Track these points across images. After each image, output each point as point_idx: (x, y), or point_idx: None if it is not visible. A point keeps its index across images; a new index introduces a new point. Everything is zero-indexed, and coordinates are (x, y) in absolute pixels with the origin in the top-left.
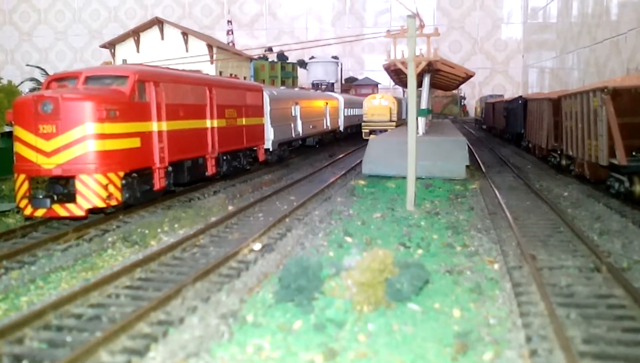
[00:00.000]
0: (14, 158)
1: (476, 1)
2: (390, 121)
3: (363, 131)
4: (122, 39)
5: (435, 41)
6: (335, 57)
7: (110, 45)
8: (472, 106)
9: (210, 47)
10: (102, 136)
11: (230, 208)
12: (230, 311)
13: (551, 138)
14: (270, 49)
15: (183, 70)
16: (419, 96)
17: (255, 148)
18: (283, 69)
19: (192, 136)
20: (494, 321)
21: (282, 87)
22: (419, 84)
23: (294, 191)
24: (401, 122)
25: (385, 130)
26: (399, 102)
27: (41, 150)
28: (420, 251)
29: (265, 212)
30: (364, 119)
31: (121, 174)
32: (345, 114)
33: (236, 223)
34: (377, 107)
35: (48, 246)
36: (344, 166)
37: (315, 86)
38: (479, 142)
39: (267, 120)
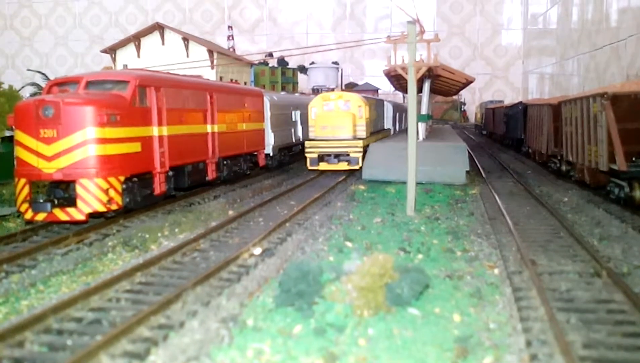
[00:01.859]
0: (15, 162)
1: (476, 7)
2: (356, 137)
3: (307, 156)
4: (122, 44)
5: (435, 47)
6: (336, 63)
7: (111, 50)
8: (472, 111)
9: (210, 52)
10: (103, 141)
11: (231, 212)
12: (231, 316)
13: (551, 144)
14: (270, 55)
15: (184, 75)
16: (419, 102)
17: (255, 153)
18: (283, 75)
19: (192, 141)
20: (494, 325)
21: (282, 93)
22: (419, 90)
23: (294, 196)
24: (380, 135)
25: (346, 154)
26: (375, 105)
27: (42, 154)
28: (420, 256)
29: (266, 217)
30: (310, 134)
31: (122, 178)
32: None
33: (236, 228)
34: (331, 114)
35: (48, 250)
36: (344, 171)
37: (316, 91)
38: (479, 147)
39: (267, 125)
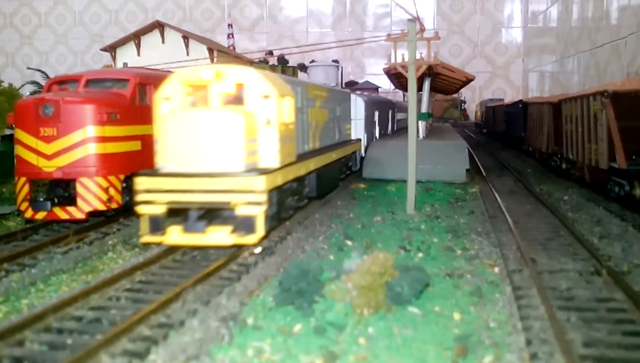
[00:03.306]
0: (15, 161)
1: (476, 5)
2: (252, 169)
3: (141, 212)
4: (122, 42)
5: (435, 45)
6: (336, 61)
7: (111, 48)
8: (473, 109)
9: (210, 50)
10: (103, 139)
11: None
12: (231, 314)
13: (551, 142)
14: (270, 53)
15: None
16: (419, 100)
17: None
18: (283, 73)
19: None
20: (494, 324)
21: None
22: (419, 88)
23: None
24: (334, 155)
25: (229, 208)
26: (323, 99)
27: (42, 153)
28: (420, 254)
29: None
30: (156, 160)
31: (122, 177)
32: None
33: None
34: (198, 117)
35: (49, 249)
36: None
37: None
38: (479, 146)
39: None
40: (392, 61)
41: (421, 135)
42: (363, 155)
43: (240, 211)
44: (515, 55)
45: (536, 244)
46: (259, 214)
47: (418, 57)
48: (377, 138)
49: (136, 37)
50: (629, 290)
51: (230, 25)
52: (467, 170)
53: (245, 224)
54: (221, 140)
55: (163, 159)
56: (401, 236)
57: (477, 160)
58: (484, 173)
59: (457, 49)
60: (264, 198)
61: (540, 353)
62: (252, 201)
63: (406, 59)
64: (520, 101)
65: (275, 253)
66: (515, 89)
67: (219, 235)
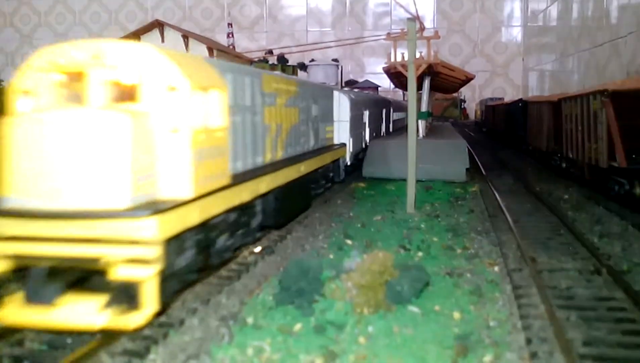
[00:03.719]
0: None
1: (476, 4)
2: (143, 204)
3: None
4: None
5: (435, 44)
6: (336, 60)
7: None
8: (472, 108)
9: (210, 50)
10: None
11: None
12: (231, 314)
13: (551, 141)
14: (270, 52)
15: None
16: (419, 99)
17: None
18: (283, 72)
19: None
20: (494, 323)
21: None
22: (419, 87)
23: None
24: (303, 166)
25: (101, 267)
26: (289, 94)
27: None
28: (420, 253)
29: None
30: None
31: None
32: None
33: None
34: (55, 125)
35: None
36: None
37: None
38: (479, 145)
39: None
40: (392, 59)
41: (421, 134)
42: (348, 163)
43: (117, 273)
44: (515, 54)
45: (536, 243)
46: (146, 279)
47: (418, 56)
48: (367, 141)
49: (136, 37)
50: (629, 289)
51: (230, 25)
52: (467, 169)
53: (124, 295)
54: (93, 159)
55: (8, 188)
56: (401, 235)
57: (477, 159)
58: (483, 172)
59: (457, 48)
60: (155, 252)
61: (540, 352)
62: (135, 257)
63: (406, 58)
64: (520, 100)
65: (275, 252)
66: (515, 88)
67: (80, 311)
